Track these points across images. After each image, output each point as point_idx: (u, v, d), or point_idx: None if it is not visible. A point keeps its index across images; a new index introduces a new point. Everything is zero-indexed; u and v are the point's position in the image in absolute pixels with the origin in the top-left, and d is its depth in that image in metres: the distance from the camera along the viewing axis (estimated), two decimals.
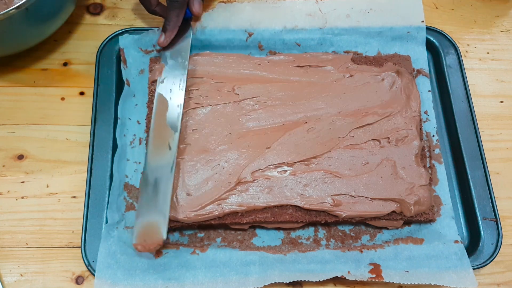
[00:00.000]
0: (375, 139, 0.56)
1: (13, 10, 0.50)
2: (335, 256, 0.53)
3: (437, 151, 0.59)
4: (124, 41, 0.61)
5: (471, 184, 0.58)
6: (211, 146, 0.55)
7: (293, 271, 0.51)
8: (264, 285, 0.50)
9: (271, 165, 0.54)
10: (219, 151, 0.55)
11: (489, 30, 0.71)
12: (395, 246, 0.54)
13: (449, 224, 0.55)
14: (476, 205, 0.57)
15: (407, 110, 0.58)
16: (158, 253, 0.52)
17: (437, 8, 0.71)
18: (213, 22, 0.62)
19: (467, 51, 0.69)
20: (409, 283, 0.51)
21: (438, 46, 0.65)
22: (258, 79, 0.59)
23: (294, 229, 0.55)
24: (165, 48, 0.60)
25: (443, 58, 0.65)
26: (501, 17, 0.72)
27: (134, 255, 0.51)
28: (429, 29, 0.65)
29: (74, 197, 0.56)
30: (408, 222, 0.56)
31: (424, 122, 0.61)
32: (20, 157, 0.57)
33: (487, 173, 0.58)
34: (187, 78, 0.57)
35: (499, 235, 0.55)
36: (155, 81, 0.58)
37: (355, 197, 0.53)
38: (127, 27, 0.64)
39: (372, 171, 0.54)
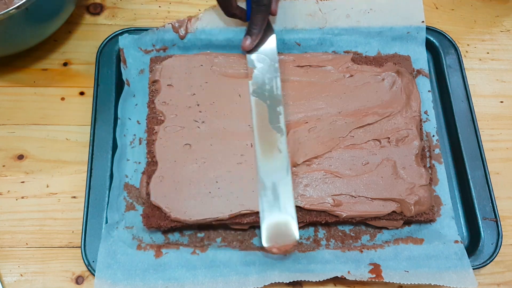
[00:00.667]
0: (376, 139, 0.56)
1: (13, 10, 0.50)
2: (335, 256, 0.53)
3: (437, 151, 0.59)
4: (124, 41, 0.61)
5: (471, 184, 0.58)
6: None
7: (293, 271, 0.51)
8: (264, 285, 0.50)
9: None
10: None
11: (489, 30, 0.71)
12: (395, 246, 0.54)
13: (449, 224, 0.55)
14: (476, 205, 0.57)
15: (407, 110, 0.58)
16: (158, 253, 0.52)
17: (437, 8, 0.71)
18: (213, 22, 0.62)
19: (467, 51, 0.69)
20: (409, 283, 0.51)
21: (438, 46, 0.65)
22: None
23: None
24: (249, 51, 0.59)
25: (443, 58, 0.65)
26: (501, 17, 0.72)
27: (134, 255, 0.51)
28: (429, 29, 0.65)
29: (74, 197, 0.56)
30: (408, 222, 0.56)
31: (424, 122, 0.61)
32: (20, 157, 0.57)
33: (487, 173, 0.58)
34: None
35: (499, 235, 0.55)
36: (155, 81, 0.57)
37: (355, 197, 0.53)
38: (127, 27, 0.64)
39: (373, 171, 0.54)
